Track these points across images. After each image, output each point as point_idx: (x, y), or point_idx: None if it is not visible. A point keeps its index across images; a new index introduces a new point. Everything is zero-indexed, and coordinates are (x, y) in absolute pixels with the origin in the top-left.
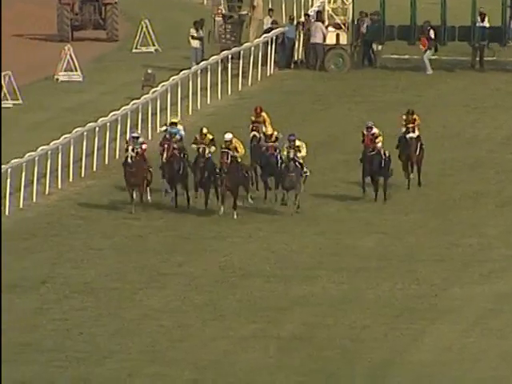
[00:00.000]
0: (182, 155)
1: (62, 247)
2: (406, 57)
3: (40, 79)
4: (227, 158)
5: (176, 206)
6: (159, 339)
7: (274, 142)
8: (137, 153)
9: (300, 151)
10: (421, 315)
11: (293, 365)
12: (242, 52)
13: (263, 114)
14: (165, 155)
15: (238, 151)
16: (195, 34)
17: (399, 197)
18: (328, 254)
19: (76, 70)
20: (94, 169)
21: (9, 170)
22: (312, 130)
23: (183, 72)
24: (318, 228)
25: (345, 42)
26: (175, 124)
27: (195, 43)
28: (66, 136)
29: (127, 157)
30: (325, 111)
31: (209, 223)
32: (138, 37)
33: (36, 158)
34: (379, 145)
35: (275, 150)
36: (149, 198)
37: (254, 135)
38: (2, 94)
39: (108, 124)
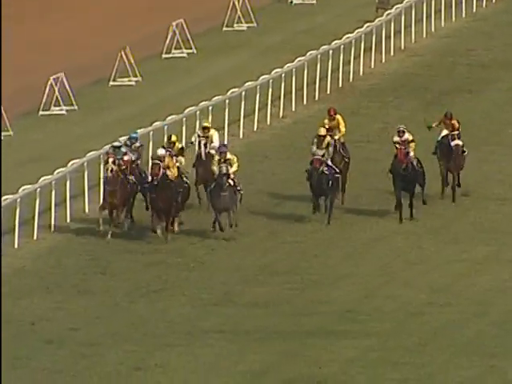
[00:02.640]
0: (136, 172)
1: (295, 169)
2: None
3: (274, 1)
4: (158, 170)
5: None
6: (394, 261)
7: (326, 147)
8: (118, 166)
9: (231, 165)
10: None
11: None
12: None
13: (337, 116)
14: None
15: (171, 171)
16: None
17: None
18: None
19: None
20: (328, 91)
21: (243, 93)
22: None
23: None
24: None
25: None
26: (207, 129)
27: None
28: (299, 59)
29: (107, 170)
30: None
31: None
32: None
33: (270, 81)
34: (412, 154)
35: (320, 164)
36: (125, 226)
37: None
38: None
39: (342, 47)
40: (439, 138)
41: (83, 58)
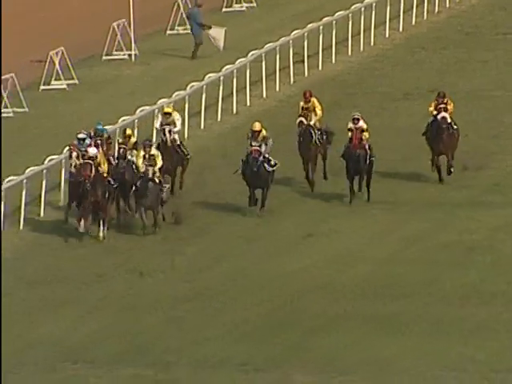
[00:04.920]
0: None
1: (449, 59)
2: None
3: None
4: (90, 171)
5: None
6: None
7: (263, 140)
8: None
9: (155, 161)
10: None
11: None
12: None
13: (313, 98)
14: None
15: (101, 167)
16: None
17: None
18: None
19: None
20: None
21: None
22: None
23: None
24: None
25: None
26: (169, 114)
27: None
28: None
29: (71, 165)
30: None
31: None
32: None
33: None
34: (364, 141)
35: (259, 155)
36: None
37: (301, 121)
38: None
39: None
40: (430, 121)
41: None
